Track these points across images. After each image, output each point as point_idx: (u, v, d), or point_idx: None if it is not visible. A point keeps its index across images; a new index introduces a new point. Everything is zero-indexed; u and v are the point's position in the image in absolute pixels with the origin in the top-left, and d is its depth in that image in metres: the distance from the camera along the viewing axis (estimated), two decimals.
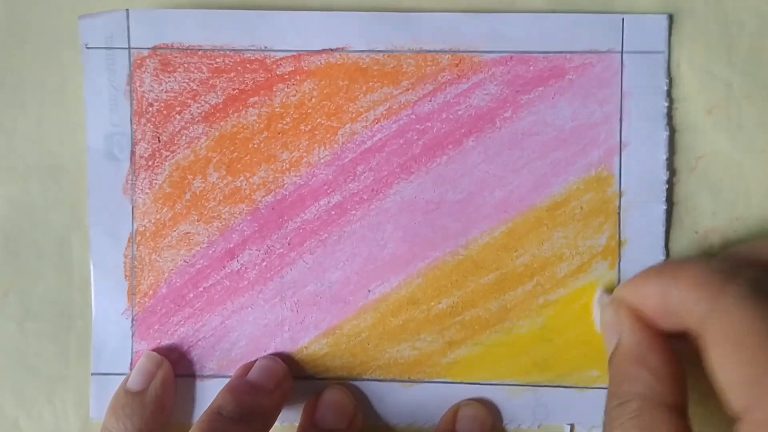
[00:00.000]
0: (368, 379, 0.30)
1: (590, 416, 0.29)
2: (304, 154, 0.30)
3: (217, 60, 0.30)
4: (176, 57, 0.30)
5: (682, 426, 0.23)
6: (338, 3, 0.30)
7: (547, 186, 0.29)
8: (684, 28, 0.29)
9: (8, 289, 0.31)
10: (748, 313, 0.21)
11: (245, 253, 0.30)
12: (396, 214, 0.30)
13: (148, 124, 0.30)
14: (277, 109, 0.30)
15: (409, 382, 0.30)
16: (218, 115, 0.30)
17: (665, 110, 0.29)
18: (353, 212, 0.30)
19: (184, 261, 0.30)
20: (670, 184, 0.29)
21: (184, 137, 0.30)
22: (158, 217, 0.30)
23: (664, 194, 0.29)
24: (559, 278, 0.29)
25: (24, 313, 0.31)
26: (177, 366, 0.30)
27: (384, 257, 0.30)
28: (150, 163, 0.30)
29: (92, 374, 0.30)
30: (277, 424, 0.29)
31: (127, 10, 0.29)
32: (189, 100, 0.30)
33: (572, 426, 0.29)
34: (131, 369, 0.30)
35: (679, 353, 0.24)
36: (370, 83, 0.29)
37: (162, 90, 0.30)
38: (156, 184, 0.30)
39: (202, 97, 0.30)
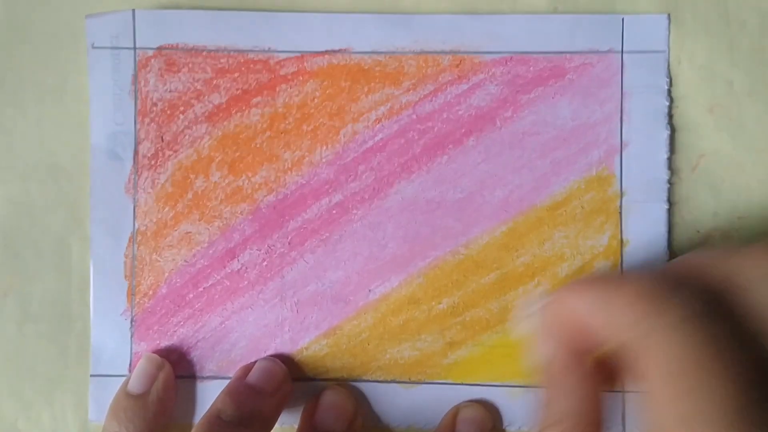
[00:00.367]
0: (368, 380, 0.30)
1: None
2: (306, 153, 0.30)
3: (221, 60, 0.30)
4: (181, 57, 0.30)
5: None
6: (341, 5, 0.30)
7: (547, 185, 0.29)
8: (685, 27, 0.29)
9: (7, 290, 0.31)
10: (686, 337, 0.19)
11: (246, 253, 0.30)
12: (397, 213, 0.30)
13: (152, 124, 0.30)
14: (280, 109, 0.30)
15: (409, 383, 0.30)
16: (221, 114, 0.30)
17: (666, 109, 0.29)
18: (354, 212, 0.30)
19: (185, 261, 0.30)
20: (671, 183, 0.29)
21: (187, 137, 0.30)
22: (160, 216, 0.30)
23: (666, 194, 0.29)
24: (561, 278, 0.29)
25: (23, 315, 0.31)
26: (176, 367, 0.30)
27: (385, 257, 0.30)
28: (153, 162, 0.30)
29: (91, 375, 0.30)
30: (276, 426, 0.29)
31: (133, 10, 0.30)
32: (193, 100, 0.30)
33: None
34: (130, 370, 0.30)
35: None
36: (372, 84, 0.30)
37: (166, 90, 0.30)
38: (158, 183, 0.30)
39: (206, 97, 0.30)
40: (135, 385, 0.29)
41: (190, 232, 0.30)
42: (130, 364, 0.30)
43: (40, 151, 0.31)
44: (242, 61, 0.30)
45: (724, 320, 0.19)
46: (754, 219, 0.29)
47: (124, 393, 0.29)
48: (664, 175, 0.29)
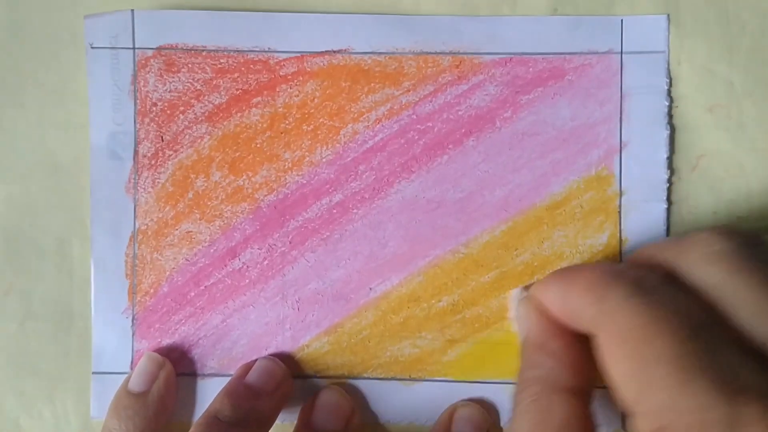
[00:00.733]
0: (369, 378, 0.30)
1: None
2: (307, 153, 0.30)
3: (221, 60, 0.30)
4: (180, 57, 0.30)
5: (580, 409, 0.23)
6: (341, 5, 0.30)
7: (547, 185, 0.29)
8: (685, 27, 0.29)
9: (9, 289, 0.31)
10: (630, 310, 0.21)
11: (247, 252, 0.30)
12: (397, 212, 0.30)
13: (152, 124, 0.30)
14: (280, 109, 0.30)
15: (409, 380, 0.30)
16: (221, 114, 0.30)
17: (666, 109, 0.29)
18: (355, 211, 0.30)
19: (186, 260, 0.30)
20: (671, 183, 0.29)
21: (187, 137, 0.30)
22: (160, 215, 0.30)
23: (665, 193, 0.29)
24: None
25: (24, 313, 0.31)
26: (178, 365, 0.30)
27: (385, 255, 0.30)
28: (153, 162, 0.30)
29: (93, 373, 0.30)
30: (277, 422, 0.29)
31: (132, 10, 0.30)
32: (193, 100, 0.30)
33: None
34: (132, 368, 0.30)
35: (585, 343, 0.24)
36: (372, 84, 0.30)
37: (166, 90, 0.30)
38: (159, 183, 0.30)
39: (206, 97, 0.30)
40: (136, 384, 0.29)
41: (191, 231, 0.30)
42: (131, 362, 0.30)
43: (41, 151, 0.31)
44: (242, 61, 0.30)
45: (663, 292, 0.22)
46: (754, 219, 0.29)
47: (125, 391, 0.29)
48: (664, 174, 0.29)
